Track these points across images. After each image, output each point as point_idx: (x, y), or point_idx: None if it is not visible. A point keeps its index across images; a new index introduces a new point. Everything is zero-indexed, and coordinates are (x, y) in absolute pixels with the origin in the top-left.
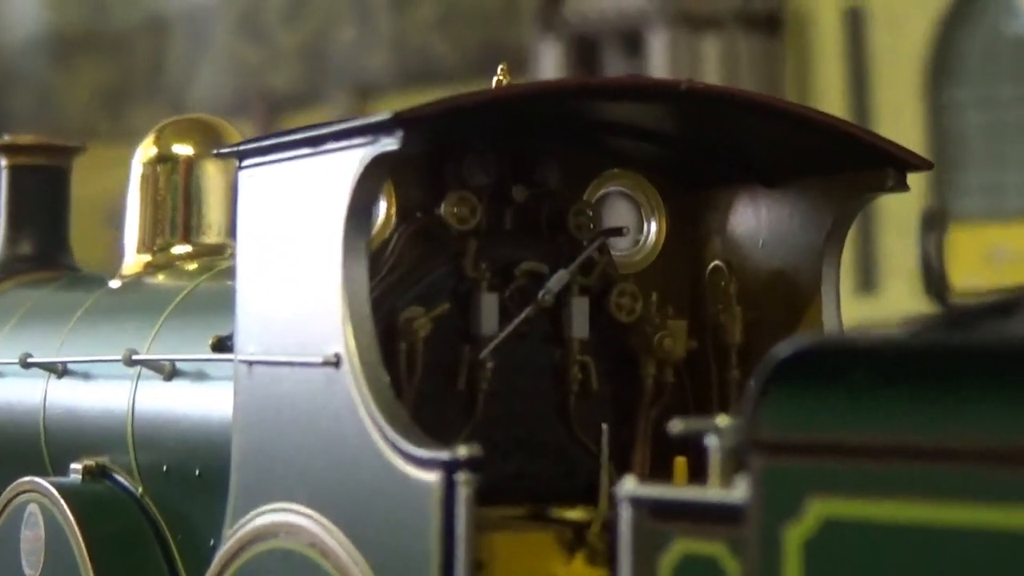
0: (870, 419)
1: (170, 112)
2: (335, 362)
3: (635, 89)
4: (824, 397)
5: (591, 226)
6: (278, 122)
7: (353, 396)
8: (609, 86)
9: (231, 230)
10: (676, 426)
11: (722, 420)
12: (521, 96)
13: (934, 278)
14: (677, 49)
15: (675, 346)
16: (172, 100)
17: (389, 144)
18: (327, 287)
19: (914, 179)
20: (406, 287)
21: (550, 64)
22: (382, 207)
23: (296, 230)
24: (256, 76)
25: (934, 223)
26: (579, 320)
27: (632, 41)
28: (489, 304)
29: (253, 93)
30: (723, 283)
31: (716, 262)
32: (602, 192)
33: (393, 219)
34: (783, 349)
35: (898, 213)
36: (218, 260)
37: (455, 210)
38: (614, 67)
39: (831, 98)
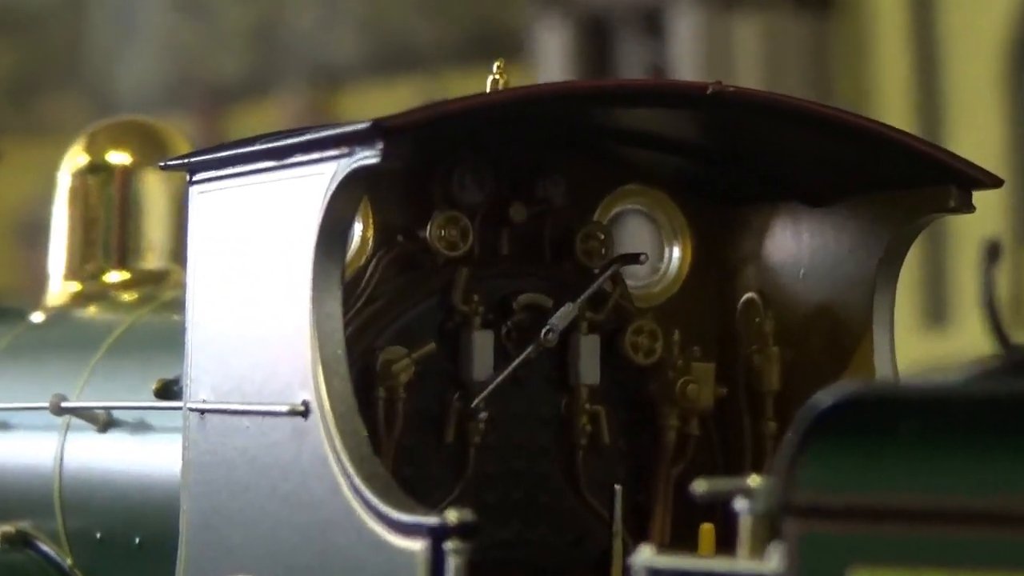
0: (923, 480)
1: (90, 104)
2: (303, 411)
3: (655, 93)
4: (871, 454)
5: (603, 251)
6: (223, 117)
7: (324, 451)
8: (625, 90)
9: (177, 254)
10: (700, 487)
11: (754, 480)
12: (522, 101)
13: (993, 315)
14: (707, 33)
15: (701, 393)
16: (92, 90)
17: (367, 157)
18: (294, 323)
19: (993, 195)
20: (385, 323)
21: (554, 49)
22: (357, 229)
23: (257, 256)
24: (196, 61)
25: (994, 254)
26: (588, 363)
27: (652, 23)
28: (482, 344)
29: (193, 82)
30: (758, 319)
31: (750, 294)
32: (616, 211)
33: (370, 243)
34: (824, 398)
35: (974, 233)
36: (161, 289)
37: (443, 233)
38: (630, 54)
39: (892, 91)
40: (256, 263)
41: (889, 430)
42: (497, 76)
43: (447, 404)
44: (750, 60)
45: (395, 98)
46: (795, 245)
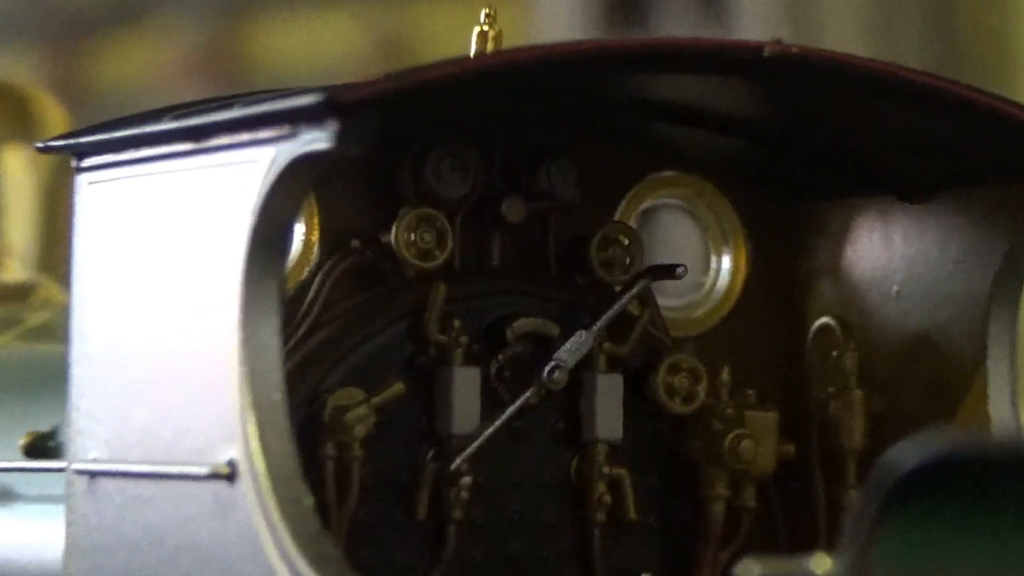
0: None
1: None
2: (228, 474)
3: (692, 56)
4: (967, 529)
5: (627, 262)
6: (83, 52)
7: (256, 525)
8: (657, 51)
9: (46, 262)
10: (749, 571)
11: (819, 562)
12: (521, 68)
13: None
14: None
15: (759, 452)
16: None
17: (316, 141)
18: (217, 357)
19: None
20: (337, 358)
21: None
22: (298, 232)
23: (168, 268)
24: None
25: None
26: (608, 411)
27: None
28: (466, 385)
29: (39, 8)
30: (836, 352)
31: (825, 319)
32: (645, 208)
33: (315, 251)
34: (907, 454)
35: None
36: (26, 310)
37: (413, 237)
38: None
39: None
40: (166, 277)
41: (991, 499)
42: (486, 25)
43: (418, 466)
44: (839, 11)
45: (330, 32)
46: (885, 254)
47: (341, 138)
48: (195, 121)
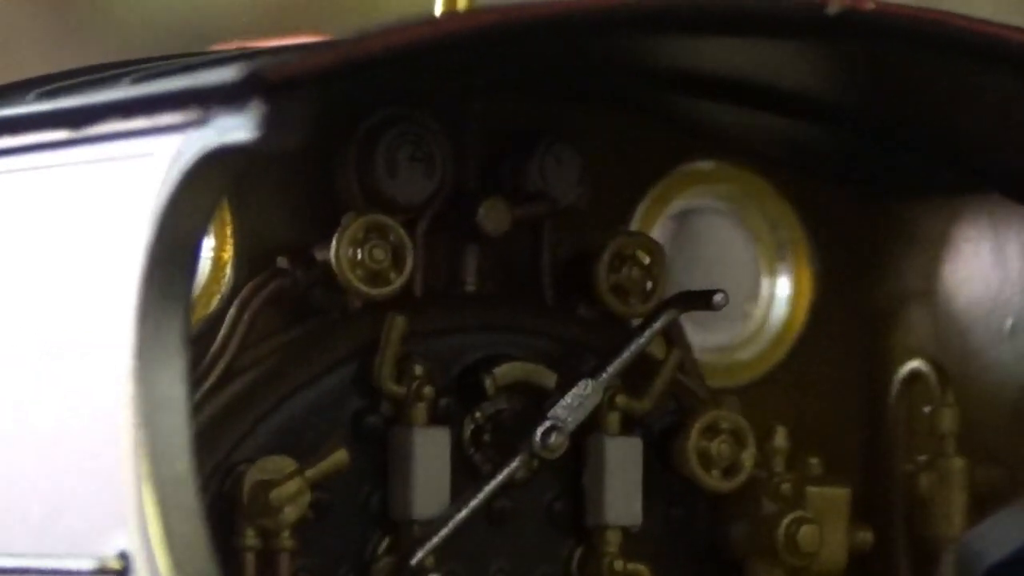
0: None
1: None
2: (120, 570)
3: (742, 15)
4: None
5: (648, 287)
6: None
7: None
8: (681, 10)
9: None
10: None
11: None
12: (505, 32)
13: None
14: None
15: (825, 542)
16: None
17: (235, 129)
18: (102, 415)
19: None
20: (258, 415)
21: None
22: (205, 249)
23: (37, 298)
24: None
25: None
26: (622, 487)
27: None
28: (431, 452)
29: None
30: (928, 408)
31: (915, 363)
32: (673, 212)
33: (229, 273)
34: (989, 543)
35: None
36: None
37: (359, 253)
38: None
39: None
40: (34, 309)
41: None
42: None
43: (368, 561)
44: None
45: None
46: (997, 274)
47: (268, 126)
48: (71, 101)
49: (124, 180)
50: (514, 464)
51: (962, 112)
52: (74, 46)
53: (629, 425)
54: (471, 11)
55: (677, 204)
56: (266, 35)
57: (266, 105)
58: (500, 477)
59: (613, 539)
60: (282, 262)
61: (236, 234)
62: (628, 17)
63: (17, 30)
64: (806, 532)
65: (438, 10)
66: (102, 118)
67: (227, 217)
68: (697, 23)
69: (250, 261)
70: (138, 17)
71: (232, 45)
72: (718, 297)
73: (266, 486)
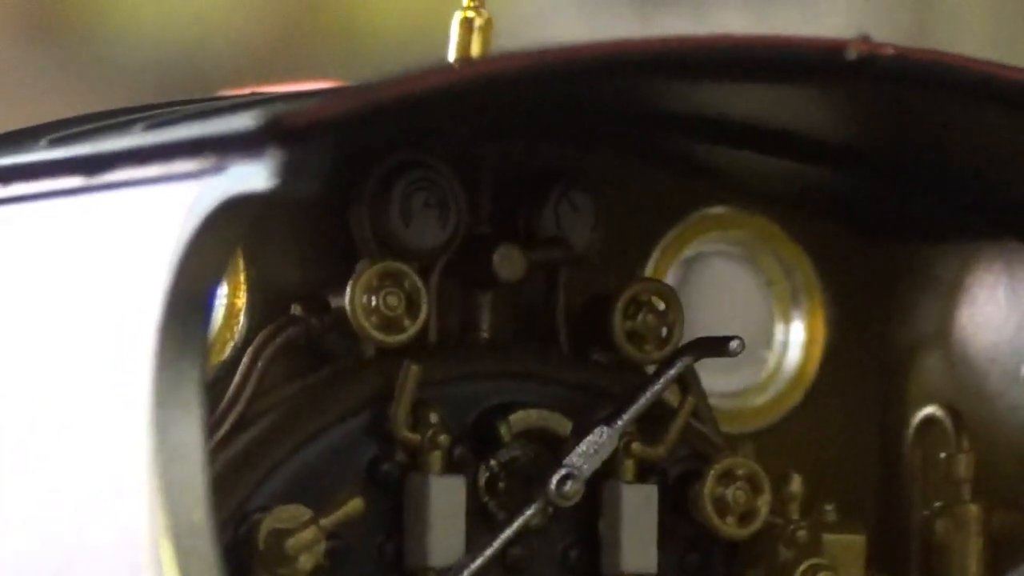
0: None
1: None
2: None
3: (759, 59)
4: None
5: (663, 333)
6: None
7: None
8: (697, 54)
9: None
10: None
11: None
12: (525, 77)
13: None
14: None
15: None
16: None
17: (253, 177)
18: (119, 466)
19: None
20: (272, 464)
21: None
22: (220, 295)
23: (52, 347)
24: None
25: None
26: (638, 535)
27: None
28: (447, 501)
29: None
30: (945, 454)
31: (930, 409)
32: (688, 257)
33: (242, 320)
34: None
35: None
36: None
37: (373, 300)
38: None
39: None
40: (49, 359)
41: None
42: (471, 10)
43: None
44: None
45: None
46: (1013, 318)
47: (286, 174)
48: (84, 148)
49: (139, 229)
50: (529, 511)
51: (978, 156)
52: (66, 83)
53: (644, 472)
54: (490, 57)
55: (691, 250)
56: (263, 71)
57: (284, 153)
58: (515, 525)
59: None
60: (296, 309)
61: (249, 280)
62: (645, 61)
63: (8, 67)
64: None
65: (451, 56)
66: (116, 166)
67: (240, 264)
68: (715, 68)
69: (263, 308)
70: (133, 55)
71: (244, 90)
72: (734, 344)
73: (281, 535)
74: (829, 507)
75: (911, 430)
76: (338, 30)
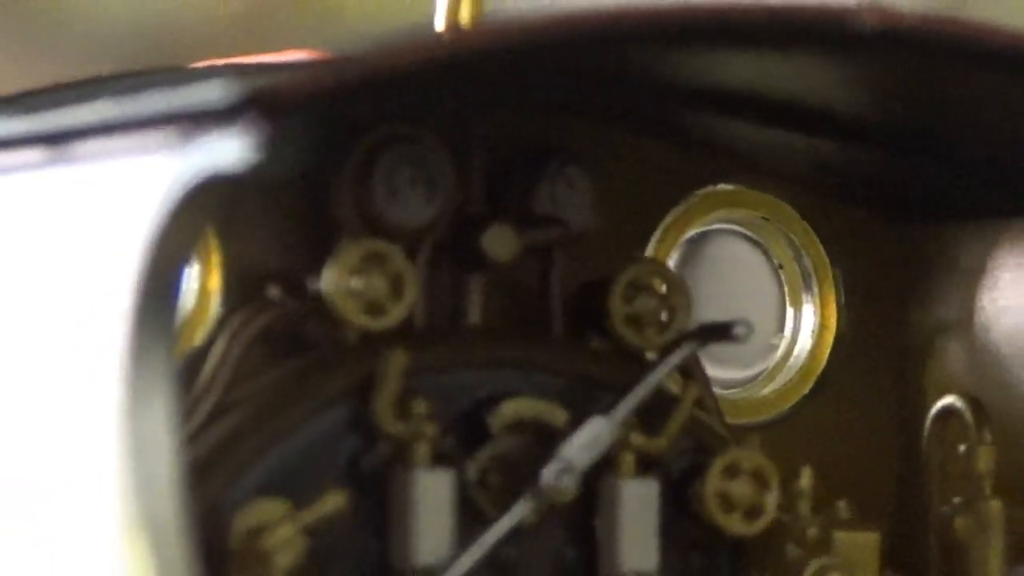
0: None
1: None
2: None
3: (767, 28)
4: None
5: (664, 318)
6: None
7: None
8: (701, 23)
9: None
10: None
11: None
12: (515, 47)
13: None
14: None
15: None
16: None
17: (230, 153)
18: (87, 459)
19: None
20: (247, 457)
21: None
22: (192, 277)
23: (16, 332)
24: None
25: None
26: (637, 532)
27: None
28: (433, 495)
29: None
30: (964, 446)
31: (950, 399)
32: (691, 237)
33: (215, 304)
34: None
35: None
36: None
37: (356, 283)
38: None
39: None
40: (12, 344)
41: None
42: None
43: None
44: None
45: None
46: None
47: (266, 150)
48: (50, 119)
49: (107, 204)
50: (521, 508)
51: (1002, 131)
52: (32, 56)
53: (645, 466)
54: (484, 25)
55: (695, 229)
56: (235, 45)
57: (262, 127)
58: (507, 522)
59: None
60: (272, 292)
61: (223, 261)
62: (647, 28)
63: None
64: None
65: (439, 24)
66: (82, 137)
67: (213, 243)
68: (723, 36)
69: (238, 290)
70: (100, 27)
71: (217, 61)
72: (739, 328)
73: (257, 531)
74: (841, 504)
75: (929, 422)
76: (319, 8)
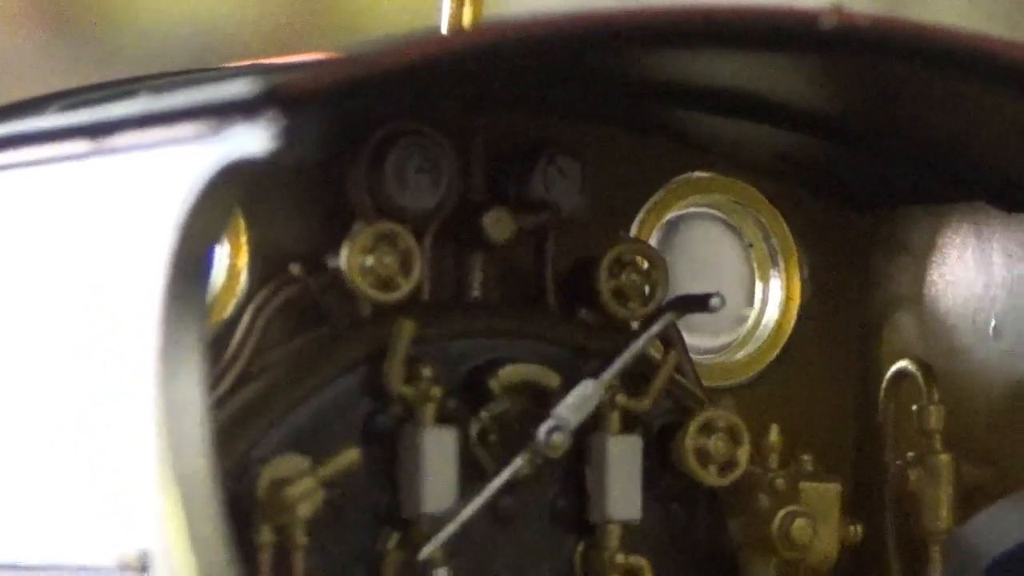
0: None
1: None
2: (140, 567)
3: (736, 29)
4: None
5: (646, 291)
6: None
7: None
8: (676, 24)
9: None
10: None
11: None
12: (512, 46)
13: None
14: None
15: (818, 535)
16: None
17: (253, 142)
18: (124, 419)
19: None
20: (272, 417)
21: None
22: (221, 257)
23: (58, 305)
24: None
25: None
26: (622, 484)
27: None
28: (439, 452)
29: None
30: (916, 406)
31: (903, 364)
32: (670, 219)
33: (242, 280)
34: (983, 537)
35: None
36: None
37: (369, 261)
38: None
39: None
40: (55, 317)
41: None
42: None
43: (379, 556)
44: None
45: None
46: (981, 278)
47: (284, 139)
48: (91, 114)
49: (142, 191)
50: (518, 462)
51: (947, 123)
52: (76, 71)
53: (629, 424)
54: (481, 27)
55: (674, 212)
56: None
57: (282, 118)
58: (505, 475)
59: (614, 534)
60: (294, 269)
61: (250, 242)
62: (630, 30)
63: (19, 55)
64: (799, 526)
65: (444, 26)
66: (120, 130)
67: (241, 225)
68: (696, 37)
69: (264, 268)
70: (147, 46)
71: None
72: (714, 300)
73: (280, 484)
74: (806, 457)
75: (884, 384)
76: (350, 24)
